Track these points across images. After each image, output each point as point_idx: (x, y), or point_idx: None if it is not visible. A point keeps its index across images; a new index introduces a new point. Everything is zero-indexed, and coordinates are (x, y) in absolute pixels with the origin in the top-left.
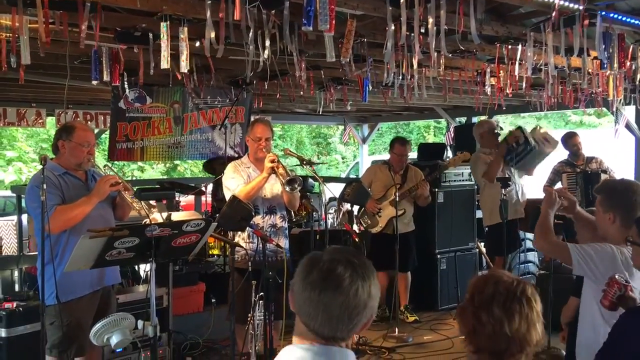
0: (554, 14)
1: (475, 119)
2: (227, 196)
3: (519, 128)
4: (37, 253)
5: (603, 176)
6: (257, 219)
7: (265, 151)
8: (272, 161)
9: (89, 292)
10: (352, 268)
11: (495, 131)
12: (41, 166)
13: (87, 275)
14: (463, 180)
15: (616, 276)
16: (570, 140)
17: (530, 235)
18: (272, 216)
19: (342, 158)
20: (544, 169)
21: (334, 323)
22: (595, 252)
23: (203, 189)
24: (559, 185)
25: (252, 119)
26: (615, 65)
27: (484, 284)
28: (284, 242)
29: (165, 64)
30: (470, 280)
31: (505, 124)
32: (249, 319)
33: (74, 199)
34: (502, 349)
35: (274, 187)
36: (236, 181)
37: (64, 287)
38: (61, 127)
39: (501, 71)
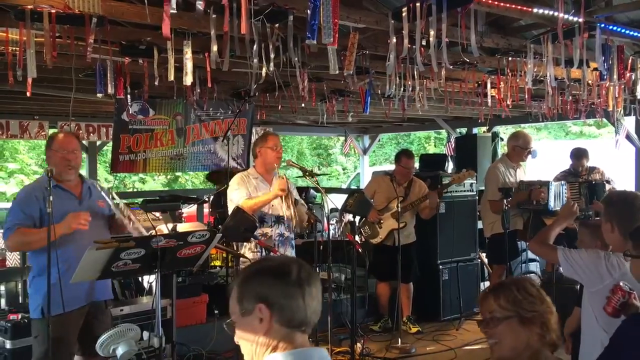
0: (559, 26)
1: (475, 130)
2: (230, 208)
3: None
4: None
5: (607, 186)
6: (266, 229)
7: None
8: (282, 190)
9: (76, 308)
10: (308, 266)
11: (527, 150)
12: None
13: (75, 290)
14: (464, 191)
15: (621, 283)
16: (578, 161)
17: None
18: (280, 226)
19: (343, 169)
20: (544, 177)
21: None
22: (580, 255)
23: (206, 199)
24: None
25: (254, 130)
26: (615, 76)
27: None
28: (291, 252)
29: (170, 76)
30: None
31: (506, 134)
32: None
33: (61, 213)
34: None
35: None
36: (240, 193)
37: (50, 302)
38: (48, 138)
39: (502, 82)
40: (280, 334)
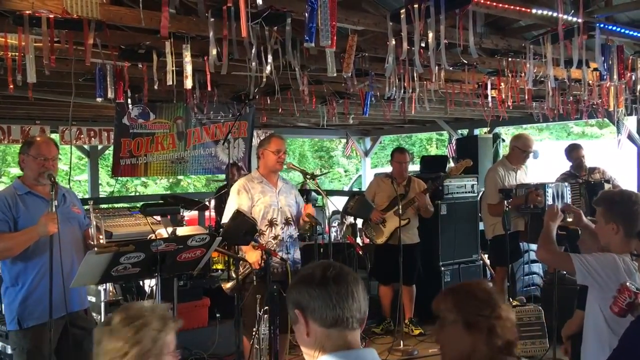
0: (559, 26)
1: (476, 131)
2: (226, 214)
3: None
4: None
5: (607, 186)
6: (277, 230)
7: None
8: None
9: (54, 318)
10: (339, 267)
11: (525, 153)
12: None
13: (47, 301)
14: (466, 192)
15: (627, 283)
16: (573, 152)
17: (534, 247)
18: (289, 227)
19: (345, 171)
20: (546, 178)
21: (364, 304)
22: (596, 260)
23: (207, 204)
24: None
25: (255, 133)
26: (615, 76)
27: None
28: (298, 253)
29: (169, 80)
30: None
31: (508, 136)
32: (254, 333)
33: (36, 219)
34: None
35: (288, 199)
36: (237, 201)
37: (26, 312)
38: (23, 142)
39: (502, 83)
40: (321, 333)
